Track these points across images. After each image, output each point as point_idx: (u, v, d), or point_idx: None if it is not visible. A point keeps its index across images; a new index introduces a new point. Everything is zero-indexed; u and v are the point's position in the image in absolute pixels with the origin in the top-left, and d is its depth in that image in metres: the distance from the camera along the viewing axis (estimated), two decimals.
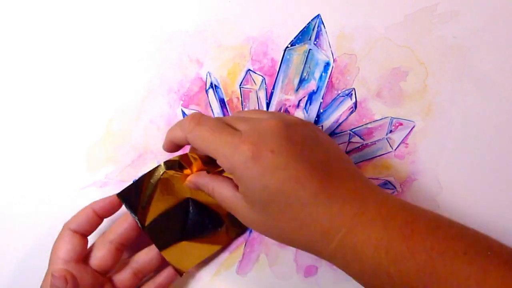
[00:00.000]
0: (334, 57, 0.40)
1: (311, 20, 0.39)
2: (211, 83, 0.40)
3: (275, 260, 0.41)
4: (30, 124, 0.40)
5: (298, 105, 0.40)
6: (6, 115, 0.40)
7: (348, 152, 0.41)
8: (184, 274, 0.39)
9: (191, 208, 0.38)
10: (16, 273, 0.40)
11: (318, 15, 0.39)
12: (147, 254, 0.38)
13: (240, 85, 0.40)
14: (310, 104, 0.40)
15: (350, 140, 0.41)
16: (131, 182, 0.39)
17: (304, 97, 0.40)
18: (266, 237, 0.41)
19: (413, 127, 0.40)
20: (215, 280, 0.41)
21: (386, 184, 0.41)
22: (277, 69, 0.40)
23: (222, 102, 0.40)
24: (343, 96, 0.40)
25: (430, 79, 0.40)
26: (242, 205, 0.32)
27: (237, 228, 0.40)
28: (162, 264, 0.39)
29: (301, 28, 0.39)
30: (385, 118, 0.40)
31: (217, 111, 0.41)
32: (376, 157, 0.41)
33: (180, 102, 0.40)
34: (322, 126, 0.41)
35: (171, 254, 0.38)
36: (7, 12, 0.39)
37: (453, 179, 0.40)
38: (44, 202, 0.40)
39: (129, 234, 0.37)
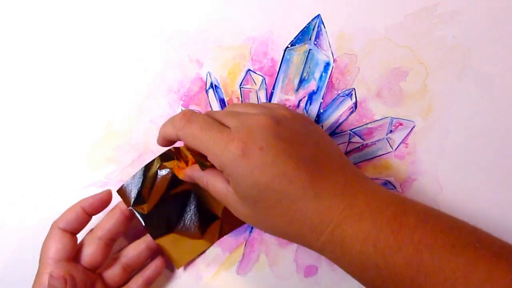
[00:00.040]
0: (334, 57, 0.40)
1: (311, 20, 0.39)
2: (211, 83, 0.40)
3: (275, 260, 0.41)
4: (30, 124, 0.40)
5: (298, 105, 0.40)
6: (6, 115, 0.40)
7: (348, 152, 0.41)
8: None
9: (191, 199, 0.39)
10: (16, 274, 0.40)
11: (318, 15, 0.39)
12: (136, 249, 0.39)
13: (240, 85, 0.40)
14: (310, 104, 0.40)
15: (350, 140, 0.41)
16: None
17: (304, 97, 0.40)
18: (266, 237, 0.41)
19: (413, 127, 0.40)
20: (215, 280, 0.41)
21: (386, 184, 0.41)
22: (277, 69, 0.40)
23: (222, 102, 0.40)
24: (343, 96, 0.40)
25: (430, 79, 0.40)
26: (234, 200, 0.33)
27: (232, 225, 0.41)
28: (151, 258, 0.39)
29: (301, 28, 0.39)
30: (385, 118, 0.40)
31: None
32: (376, 157, 0.41)
33: (180, 102, 0.40)
34: (322, 126, 0.41)
35: (167, 243, 0.38)
36: (7, 12, 0.39)
37: (453, 179, 0.40)
38: (44, 202, 0.40)
39: (118, 229, 0.38)
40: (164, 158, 0.37)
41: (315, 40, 0.40)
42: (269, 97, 0.40)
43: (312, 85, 0.40)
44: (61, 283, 0.34)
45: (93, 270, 0.37)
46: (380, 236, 0.29)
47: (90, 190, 0.40)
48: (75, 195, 0.40)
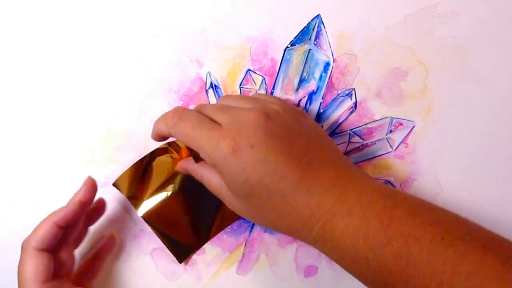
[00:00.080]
0: (334, 57, 0.40)
1: (311, 20, 0.39)
2: (211, 83, 0.40)
3: (275, 260, 0.41)
4: (30, 125, 0.40)
5: (298, 105, 0.40)
6: (6, 116, 0.40)
7: (348, 152, 0.41)
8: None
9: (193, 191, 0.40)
10: (16, 273, 0.40)
11: (318, 15, 0.39)
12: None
13: (240, 85, 0.40)
14: (310, 104, 0.40)
15: (350, 140, 0.41)
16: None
17: (304, 97, 0.40)
18: (266, 237, 0.41)
19: (413, 127, 0.40)
20: (215, 280, 0.41)
21: (386, 184, 0.41)
22: (277, 69, 0.40)
23: None
24: (343, 96, 0.40)
25: (430, 79, 0.40)
26: (227, 194, 0.33)
27: (227, 220, 0.41)
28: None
29: (301, 28, 0.39)
30: (385, 118, 0.40)
31: None
32: (376, 157, 0.41)
33: (180, 102, 0.40)
34: (322, 126, 0.41)
35: (169, 240, 0.39)
36: (8, 12, 0.39)
37: (453, 179, 0.40)
38: (44, 202, 0.40)
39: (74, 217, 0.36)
40: (159, 151, 0.38)
41: (315, 40, 0.40)
42: None
43: (312, 85, 0.40)
44: None
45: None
46: (370, 230, 0.29)
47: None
48: None
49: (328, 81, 0.40)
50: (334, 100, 0.40)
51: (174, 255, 0.40)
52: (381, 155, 0.41)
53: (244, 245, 0.41)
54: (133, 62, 0.40)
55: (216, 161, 0.31)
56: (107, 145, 0.40)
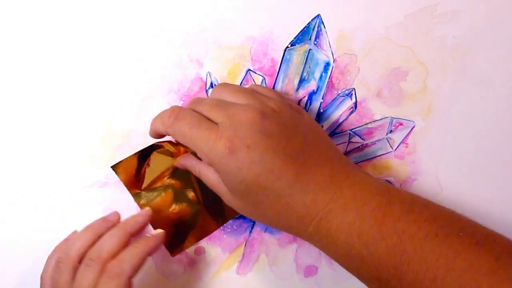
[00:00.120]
0: (334, 57, 0.40)
1: (311, 20, 0.39)
2: (211, 83, 0.40)
3: (275, 260, 0.41)
4: (30, 125, 0.40)
5: (299, 106, 0.40)
6: (6, 116, 0.40)
7: (348, 152, 0.41)
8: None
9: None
10: (16, 274, 0.40)
11: (318, 15, 0.39)
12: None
13: (240, 85, 0.40)
14: (310, 104, 0.40)
15: (350, 140, 0.41)
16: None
17: (304, 97, 0.40)
18: (266, 237, 0.41)
19: (413, 127, 0.40)
20: (215, 280, 0.41)
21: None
22: (277, 69, 0.40)
23: None
24: (343, 96, 0.40)
25: (430, 79, 0.40)
26: (225, 191, 0.34)
27: (222, 217, 0.41)
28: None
29: (301, 28, 0.39)
30: (385, 118, 0.40)
31: None
32: (376, 157, 0.41)
33: (180, 102, 0.40)
34: (322, 126, 0.41)
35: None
36: (8, 12, 0.39)
37: (453, 179, 0.40)
38: (44, 202, 0.40)
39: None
40: (158, 146, 0.39)
41: (315, 40, 0.40)
42: None
43: (312, 85, 0.40)
44: None
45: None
46: (364, 227, 0.30)
47: (90, 190, 0.40)
48: (75, 195, 0.40)
49: (328, 81, 0.40)
50: (334, 100, 0.40)
51: (166, 248, 0.40)
52: (381, 155, 0.41)
53: (244, 245, 0.41)
54: (133, 62, 0.40)
55: (213, 161, 0.32)
56: (107, 145, 0.40)
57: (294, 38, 0.40)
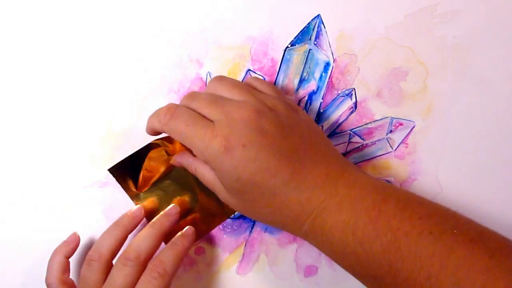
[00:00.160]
0: (334, 57, 0.40)
1: (311, 20, 0.39)
2: None
3: (275, 260, 0.41)
4: (30, 125, 0.40)
5: (298, 105, 0.40)
6: (6, 116, 0.40)
7: (348, 152, 0.41)
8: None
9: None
10: (16, 274, 0.40)
11: (318, 15, 0.39)
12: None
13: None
14: (310, 104, 0.40)
15: (350, 140, 0.41)
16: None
17: (304, 97, 0.40)
18: (266, 237, 0.41)
19: (413, 127, 0.40)
20: (215, 280, 0.41)
21: None
22: (277, 69, 0.40)
23: None
24: (343, 96, 0.40)
25: (430, 79, 0.40)
26: (221, 189, 0.34)
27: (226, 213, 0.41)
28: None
29: (301, 28, 0.39)
30: (385, 118, 0.40)
31: None
32: (376, 157, 0.41)
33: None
34: (322, 126, 0.41)
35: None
36: (8, 12, 0.39)
37: (453, 179, 0.40)
38: (44, 202, 0.40)
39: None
40: (155, 144, 0.39)
41: (315, 40, 0.40)
42: None
43: (312, 85, 0.40)
44: None
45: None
46: (359, 225, 0.30)
47: (90, 190, 0.40)
48: (75, 195, 0.40)
49: (328, 81, 0.40)
50: (334, 100, 0.40)
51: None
52: (381, 155, 0.41)
53: (244, 245, 0.41)
54: (133, 62, 0.40)
55: (209, 159, 0.32)
56: (107, 145, 0.40)
57: (294, 38, 0.40)
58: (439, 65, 0.39)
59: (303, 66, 0.40)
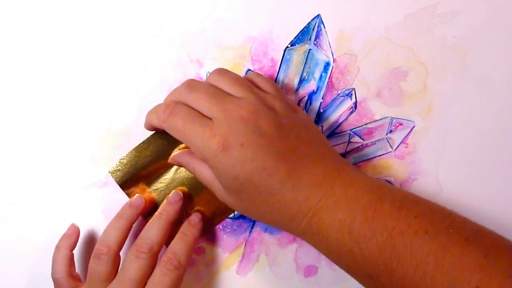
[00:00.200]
0: (334, 57, 0.40)
1: (311, 20, 0.39)
2: None
3: (275, 260, 0.41)
4: (30, 125, 0.40)
5: (298, 105, 0.40)
6: (6, 116, 0.40)
7: (348, 152, 0.41)
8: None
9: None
10: (16, 274, 0.40)
11: (318, 15, 0.39)
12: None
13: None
14: (310, 104, 0.40)
15: (350, 140, 0.41)
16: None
17: (304, 97, 0.40)
18: (266, 237, 0.41)
19: (413, 127, 0.40)
20: (215, 280, 0.41)
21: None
22: (277, 69, 0.40)
23: None
24: (343, 96, 0.40)
25: (430, 79, 0.40)
26: (219, 188, 0.34)
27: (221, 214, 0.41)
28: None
29: (301, 28, 0.39)
30: (385, 118, 0.40)
31: None
32: (376, 157, 0.41)
33: None
34: (322, 126, 0.41)
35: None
36: (8, 12, 0.39)
37: (453, 179, 0.40)
38: (44, 202, 0.40)
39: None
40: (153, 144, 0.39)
41: (315, 40, 0.40)
42: None
43: (312, 85, 0.40)
44: None
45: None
46: (355, 224, 0.30)
47: (90, 190, 0.40)
48: (75, 195, 0.40)
49: (328, 81, 0.40)
50: (334, 100, 0.40)
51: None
52: (381, 155, 0.41)
53: (244, 245, 0.41)
54: (133, 62, 0.40)
55: (207, 157, 0.32)
56: (107, 145, 0.40)
57: (294, 38, 0.40)
58: (439, 65, 0.39)
59: (303, 66, 0.40)
